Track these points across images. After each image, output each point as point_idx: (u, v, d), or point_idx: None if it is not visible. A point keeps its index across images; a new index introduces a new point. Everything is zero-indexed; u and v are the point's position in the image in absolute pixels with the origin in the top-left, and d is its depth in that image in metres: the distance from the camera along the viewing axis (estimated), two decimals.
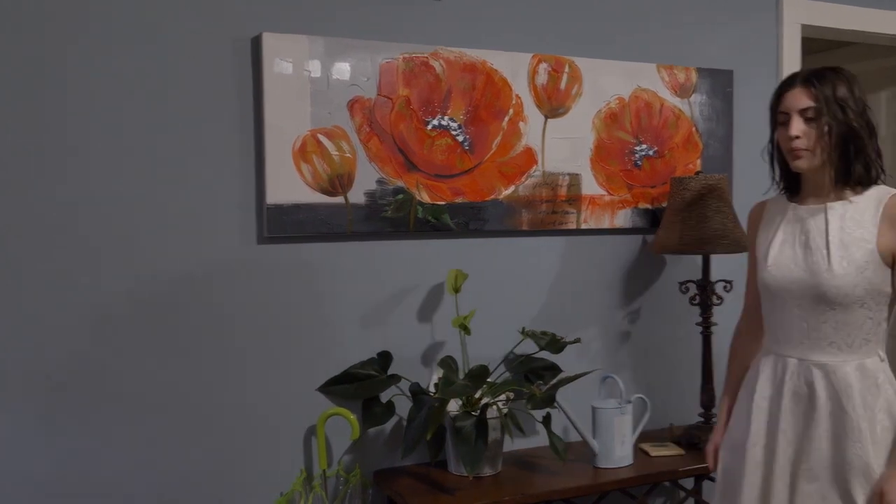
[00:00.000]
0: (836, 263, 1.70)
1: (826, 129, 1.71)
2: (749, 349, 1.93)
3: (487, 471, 2.17)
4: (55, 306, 1.92)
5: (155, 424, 2.02)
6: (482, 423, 2.10)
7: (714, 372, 2.47)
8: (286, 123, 2.09)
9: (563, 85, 2.43)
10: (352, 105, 2.16)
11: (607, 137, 2.50)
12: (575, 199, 2.46)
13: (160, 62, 2.00)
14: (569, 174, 2.45)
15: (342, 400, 2.19)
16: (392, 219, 2.22)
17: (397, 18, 2.25)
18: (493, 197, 2.34)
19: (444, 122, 2.27)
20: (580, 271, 2.51)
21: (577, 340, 2.33)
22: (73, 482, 1.95)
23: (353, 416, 2.11)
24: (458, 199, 2.30)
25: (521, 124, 2.37)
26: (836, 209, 1.75)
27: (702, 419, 2.50)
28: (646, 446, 2.41)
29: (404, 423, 2.20)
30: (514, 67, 2.35)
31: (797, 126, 1.73)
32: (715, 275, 2.51)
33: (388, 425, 2.26)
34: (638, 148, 2.55)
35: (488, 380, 2.15)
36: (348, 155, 2.16)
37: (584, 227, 2.48)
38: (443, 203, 2.28)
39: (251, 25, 2.07)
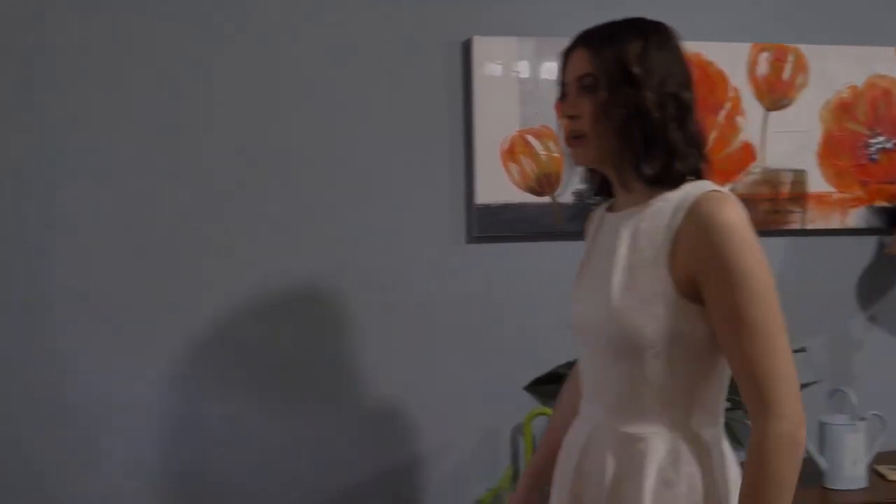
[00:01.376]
0: (617, 296, 1.22)
1: (603, 106, 1.21)
2: (574, 399, 1.44)
3: None
4: (273, 304, 2.06)
5: (369, 419, 2.11)
6: None
7: None
8: (495, 124, 2.11)
9: (786, 75, 2.26)
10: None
11: (837, 130, 2.30)
12: (799, 197, 2.29)
13: (376, 69, 2.09)
14: (792, 170, 2.28)
15: (548, 400, 2.16)
16: None
17: (608, 15, 2.20)
18: None
19: None
20: (805, 274, 2.32)
21: (802, 349, 2.16)
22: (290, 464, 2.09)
23: None
24: None
25: (739, 118, 2.24)
26: (631, 220, 1.26)
27: None
28: (883, 469, 2.18)
29: None
30: (732, 59, 2.23)
31: (569, 102, 1.26)
32: None
33: None
34: (873, 140, 2.32)
35: None
36: (556, 154, 2.15)
37: (809, 227, 2.29)
38: None
39: (461, 29, 2.12)
